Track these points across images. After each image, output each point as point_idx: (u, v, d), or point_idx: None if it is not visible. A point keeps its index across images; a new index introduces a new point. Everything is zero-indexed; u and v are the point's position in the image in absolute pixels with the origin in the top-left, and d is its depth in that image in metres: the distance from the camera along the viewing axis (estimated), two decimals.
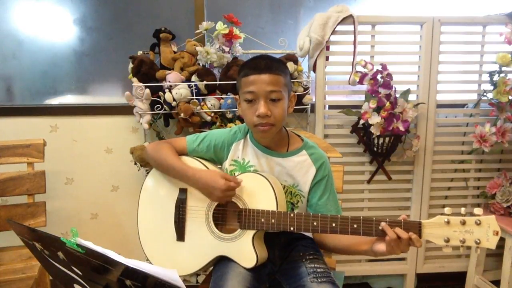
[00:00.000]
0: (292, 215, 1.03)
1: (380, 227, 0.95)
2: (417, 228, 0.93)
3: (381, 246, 0.97)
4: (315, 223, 1.02)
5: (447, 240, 0.91)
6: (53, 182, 1.89)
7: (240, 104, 1.11)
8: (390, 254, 0.95)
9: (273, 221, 1.04)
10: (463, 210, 0.92)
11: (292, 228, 1.03)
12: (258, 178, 1.08)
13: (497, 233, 0.88)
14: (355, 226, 0.98)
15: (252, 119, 1.06)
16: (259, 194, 1.07)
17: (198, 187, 1.10)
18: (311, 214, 1.04)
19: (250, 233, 1.07)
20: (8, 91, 1.97)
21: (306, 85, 1.80)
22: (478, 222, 0.88)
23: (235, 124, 1.71)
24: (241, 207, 1.08)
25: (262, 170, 1.15)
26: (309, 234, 1.20)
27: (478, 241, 0.88)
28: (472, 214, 0.91)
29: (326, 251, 1.24)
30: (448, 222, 0.90)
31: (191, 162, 1.18)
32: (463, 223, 0.89)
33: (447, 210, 0.91)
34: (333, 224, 1.01)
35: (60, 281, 0.84)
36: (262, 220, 1.05)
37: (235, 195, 1.08)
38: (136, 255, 1.05)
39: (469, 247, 0.91)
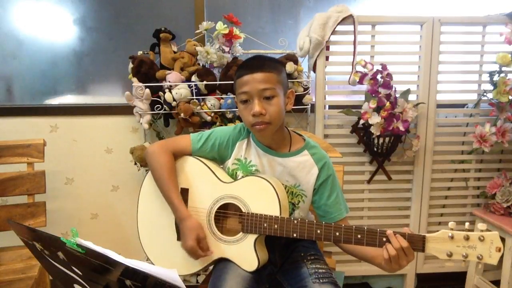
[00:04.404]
0: (295, 221, 1.03)
1: (387, 233, 0.95)
2: (421, 241, 0.93)
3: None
4: (318, 231, 1.01)
5: (450, 255, 0.91)
6: (53, 182, 1.89)
7: (238, 105, 1.11)
8: (391, 267, 0.95)
9: (276, 226, 1.04)
10: (467, 224, 0.92)
11: (295, 235, 1.03)
12: (261, 182, 1.08)
13: (499, 250, 0.88)
14: (359, 236, 0.98)
15: (248, 119, 1.06)
16: (262, 198, 1.07)
17: (180, 228, 1.11)
18: (314, 221, 1.03)
19: (252, 237, 1.07)
20: (8, 91, 1.97)
21: (306, 85, 1.80)
22: (482, 238, 0.88)
23: (235, 124, 1.71)
24: (243, 210, 1.08)
25: (263, 170, 1.15)
26: None
27: (481, 256, 0.88)
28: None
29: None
30: (452, 237, 0.90)
31: (193, 165, 1.17)
32: (467, 238, 0.89)
33: (451, 224, 0.91)
34: (337, 233, 1.00)
35: (60, 281, 0.84)
36: (265, 225, 1.05)
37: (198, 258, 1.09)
38: (136, 255, 1.05)
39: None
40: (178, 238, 1.15)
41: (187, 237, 1.07)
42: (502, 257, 1.71)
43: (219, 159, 1.21)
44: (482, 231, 0.89)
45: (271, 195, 1.05)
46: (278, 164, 1.14)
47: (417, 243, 0.93)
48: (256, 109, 1.03)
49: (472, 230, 0.91)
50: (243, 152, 1.17)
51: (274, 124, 1.07)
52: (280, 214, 1.04)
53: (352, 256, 1.12)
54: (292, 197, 1.14)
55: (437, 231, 0.92)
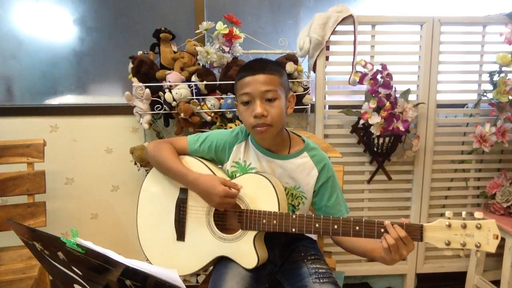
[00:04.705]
0: (294, 216, 1.03)
1: (384, 224, 0.95)
2: (418, 231, 0.93)
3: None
4: (317, 225, 1.02)
5: (448, 244, 0.91)
6: (53, 182, 1.89)
7: (238, 107, 1.11)
8: (392, 258, 0.95)
9: (274, 222, 1.04)
10: (464, 213, 0.92)
11: (294, 230, 1.03)
12: (259, 179, 1.08)
13: (497, 237, 0.88)
14: (357, 228, 0.98)
15: (249, 120, 1.06)
16: (260, 195, 1.07)
17: (198, 191, 1.10)
18: (313, 215, 1.03)
19: (251, 234, 1.07)
20: (8, 91, 1.97)
21: (306, 85, 1.80)
22: (479, 226, 0.89)
23: (236, 125, 1.71)
24: (242, 207, 1.08)
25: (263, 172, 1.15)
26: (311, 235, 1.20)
27: (479, 244, 0.89)
28: (471, 215, 0.91)
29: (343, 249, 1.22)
30: (449, 226, 0.91)
31: (193, 162, 1.18)
32: (464, 226, 0.90)
33: (448, 213, 0.91)
34: (335, 226, 1.00)
35: (60, 281, 0.84)
36: (264, 221, 1.05)
37: (235, 201, 1.07)
38: (136, 255, 1.05)
39: (469, 251, 0.91)
40: (178, 238, 1.15)
41: (213, 186, 1.04)
42: (502, 256, 1.71)
43: (217, 161, 1.21)
44: (479, 219, 0.89)
45: (270, 192, 1.06)
46: (278, 166, 1.14)
47: (415, 232, 0.93)
48: (258, 111, 1.03)
49: (472, 219, 0.91)
50: (241, 155, 1.16)
51: (275, 126, 1.06)
52: (279, 210, 1.05)
53: (352, 253, 1.12)
54: (292, 199, 1.14)
55: None
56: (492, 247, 0.88)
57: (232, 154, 1.17)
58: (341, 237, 1.10)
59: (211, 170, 1.15)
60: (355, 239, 1.03)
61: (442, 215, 1.98)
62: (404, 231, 0.93)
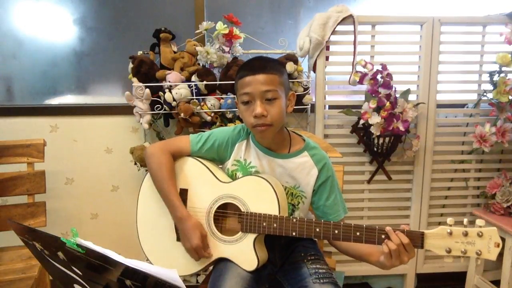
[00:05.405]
0: (294, 220, 1.03)
1: (386, 230, 0.95)
2: (419, 238, 0.93)
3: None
4: (317, 229, 1.02)
5: (449, 251, 0.91)
6: (53, 182, 1.89)
7: (239, 106, 1.11)
8: (392, 264, 0.95)
9: (275, 225, 1.04)
10: (465, 221, 0.92)
11: (294, 233, 1.03)
12: (260, 181, 1.08)
13: (498, 245, 0.88)
14: (357, 234, 0.98)
15: (249, 120, 1.06)
16: (261, 197, 1.07)
17: (180, 229, 1.12)
18: (313, 220, 1.03)
19: (251, 236, 1.07)
20: (8, 91, 1.97)
21: (306, 85, 1.80)
22: (480, 233, 0.88)
23: (235, 124, 1.71)
24: (242, 210, 1.08)
25: (263, 171, 1.15)
26: None
27: (479, 252, 0.89)
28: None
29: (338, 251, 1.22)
30: (450, 233, 0.90)
31: (193, 164, 1.18)
32: (465, 234, 0.90)
33: (449, 220, 0.91)
34: (336, 231, 1.00)
35: (60, 281, 0.84)
36: (264, 224, 1.05)
37: (199, 258, 1.10)
38: (136, 255, 1.05)
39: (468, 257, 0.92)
40: (178, 239, 1.14)
41: (191, 236, 1.07)
42: (502, 256, 1.71)
43: (219, 160, 1.21)
44: (480, 226, 0.89)
45: (270, 194, 1.05)
46: (278, 165, 1.14)
47: (416, 239, 0.93)
48: (258, 111, 1.03)
49: (472, 226, 0.91)
50: (242, 153, 1.16)
51: (275, 126, 1.06)
52: (279, 213, 1.04)
53: (348, 256, 1.12)
54: (292, 198, 1.14)
55: None
56: (493, 255, 0.88)
57: (234, 152, 1.17)
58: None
59: (211, 172, 1.15)
60: (352, 242, 1.03)
61: (442, 215, 2.00)
62: (406, 238, 0.93)
